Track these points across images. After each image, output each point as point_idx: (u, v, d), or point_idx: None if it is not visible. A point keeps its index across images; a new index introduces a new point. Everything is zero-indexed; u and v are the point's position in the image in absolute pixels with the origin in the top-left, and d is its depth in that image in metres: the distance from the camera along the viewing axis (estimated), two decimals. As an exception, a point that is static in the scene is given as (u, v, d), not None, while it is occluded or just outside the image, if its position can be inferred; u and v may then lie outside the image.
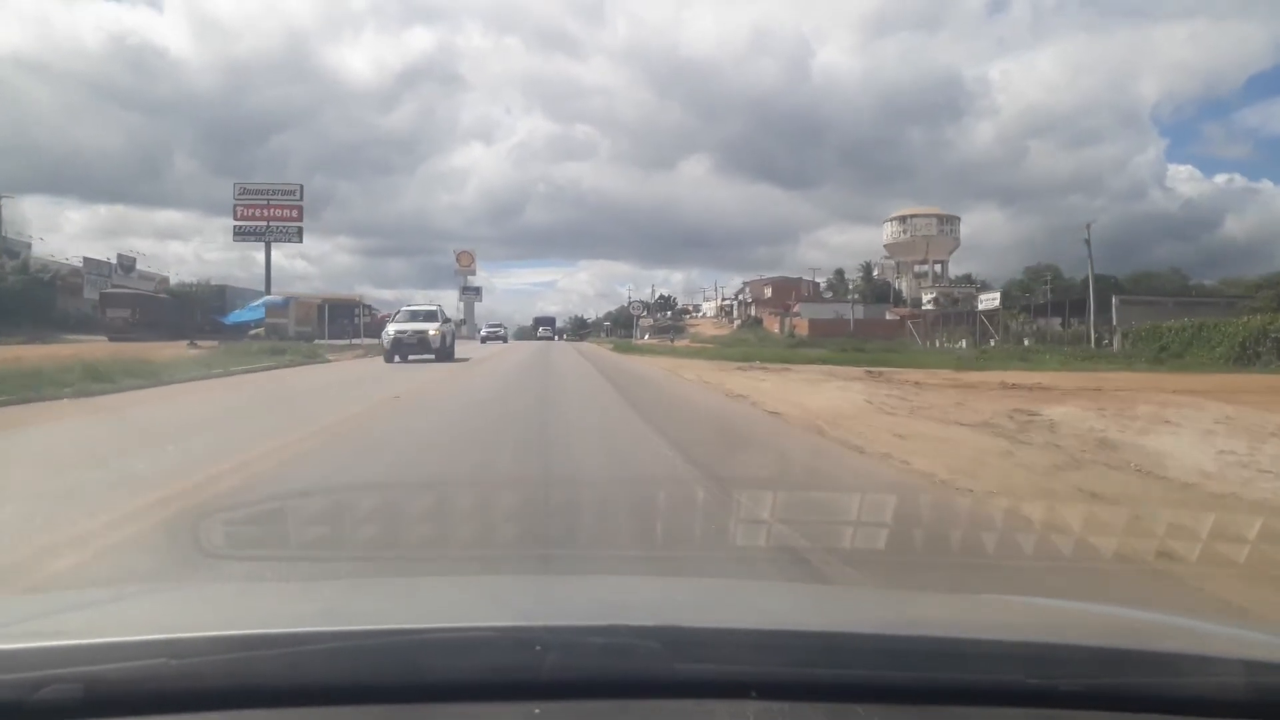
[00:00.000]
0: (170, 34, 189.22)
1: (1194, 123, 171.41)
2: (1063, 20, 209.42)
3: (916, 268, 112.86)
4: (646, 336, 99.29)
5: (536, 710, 1.20)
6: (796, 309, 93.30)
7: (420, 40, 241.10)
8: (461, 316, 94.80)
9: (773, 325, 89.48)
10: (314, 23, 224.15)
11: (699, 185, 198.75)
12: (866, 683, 1.30)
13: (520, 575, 3.59)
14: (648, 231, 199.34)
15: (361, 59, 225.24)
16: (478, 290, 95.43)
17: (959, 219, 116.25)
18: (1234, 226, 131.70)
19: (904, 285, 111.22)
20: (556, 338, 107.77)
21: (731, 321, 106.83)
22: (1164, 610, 2.54)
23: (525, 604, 1.90)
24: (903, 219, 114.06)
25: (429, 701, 1.25)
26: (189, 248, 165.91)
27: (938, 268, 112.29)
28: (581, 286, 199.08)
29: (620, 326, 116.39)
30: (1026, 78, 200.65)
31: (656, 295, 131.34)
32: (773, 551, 4.28)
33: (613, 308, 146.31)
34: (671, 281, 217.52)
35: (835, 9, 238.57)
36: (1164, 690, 1.33)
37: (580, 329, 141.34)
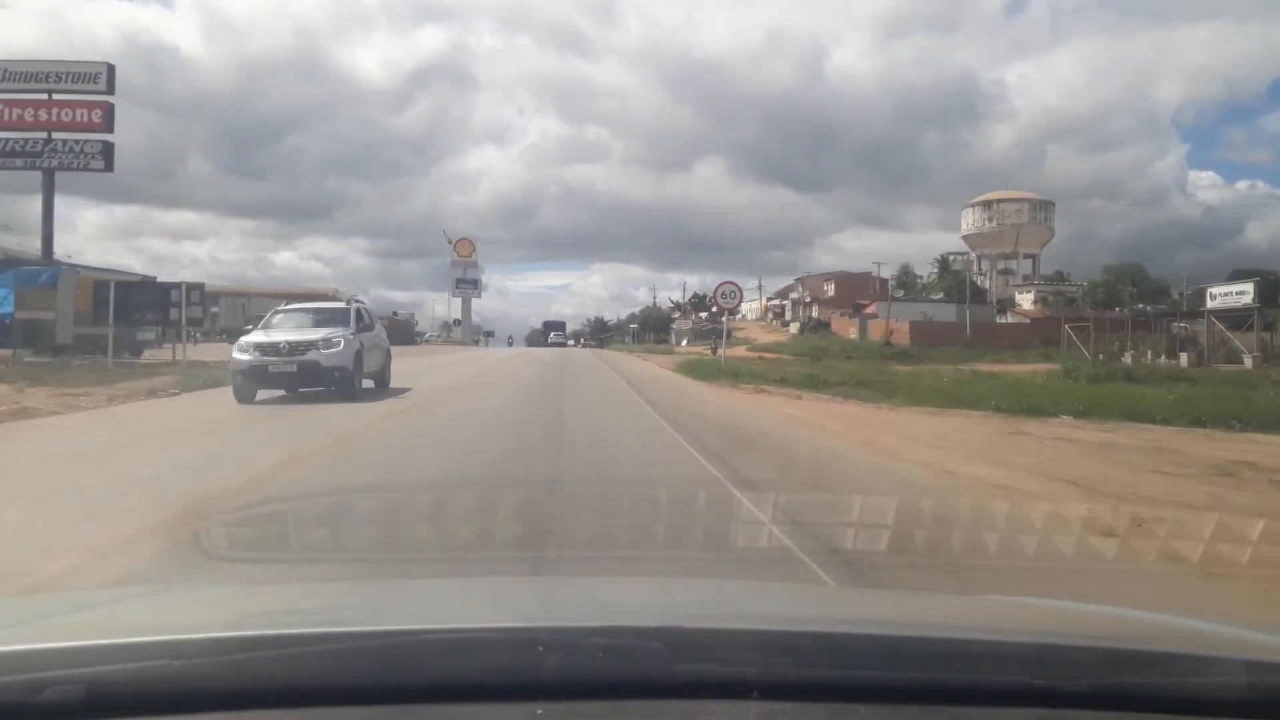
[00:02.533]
0: (182, 33, 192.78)
1: (1216, 128, 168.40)
2: (1082, 22, 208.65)
3: (1001, 262, 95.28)
4: (685, 342, 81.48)
5: (538, 711, 1.19)
6: (872, 308, 75.24)
7: (432, 40, 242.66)
8: (456, 317, 78.00)
9: (846, 329, 71.38)
10: (326, 22, 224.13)
11: (713, 188, 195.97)
12: (868, 683, 1.28)
13: (521, 576, 3.70)
14: (661, 234, 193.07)
15: (374, 59, 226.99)
16: (474, 283, 77.51)
17: (1053, 205, 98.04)
18: (1255, 234, 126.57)
19: (990, 282, 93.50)
20: (574, 344, 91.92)
21: (784, 324, 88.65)
22: (1165, 610, 2.31)
23: (527, 605, 1.89)
24: (987, 204, 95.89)
25: (430, 702, 1.23)
26: (203, 248, 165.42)
27: (1024, 262, 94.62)
28: (595, 290, 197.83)
29: (649, 330, 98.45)
30: (1045, 81, 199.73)
31: (689, 294, 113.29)
32: None
33: (627, 311, 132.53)
34: (686, 285, 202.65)
35: (850, 11, 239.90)
36: (1165, 690, 1.31)
37: (600, 332, 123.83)
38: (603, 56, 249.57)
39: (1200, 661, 1.39)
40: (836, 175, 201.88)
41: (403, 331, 62.92)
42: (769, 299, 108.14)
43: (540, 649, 1.27)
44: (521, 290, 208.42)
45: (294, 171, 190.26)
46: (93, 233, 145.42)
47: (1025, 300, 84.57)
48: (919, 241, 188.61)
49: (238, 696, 1.20)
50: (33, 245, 29.37)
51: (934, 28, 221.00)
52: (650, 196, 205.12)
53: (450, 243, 76.12)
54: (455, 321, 78.29)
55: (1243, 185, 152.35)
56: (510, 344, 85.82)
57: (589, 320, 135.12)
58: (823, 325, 77.39)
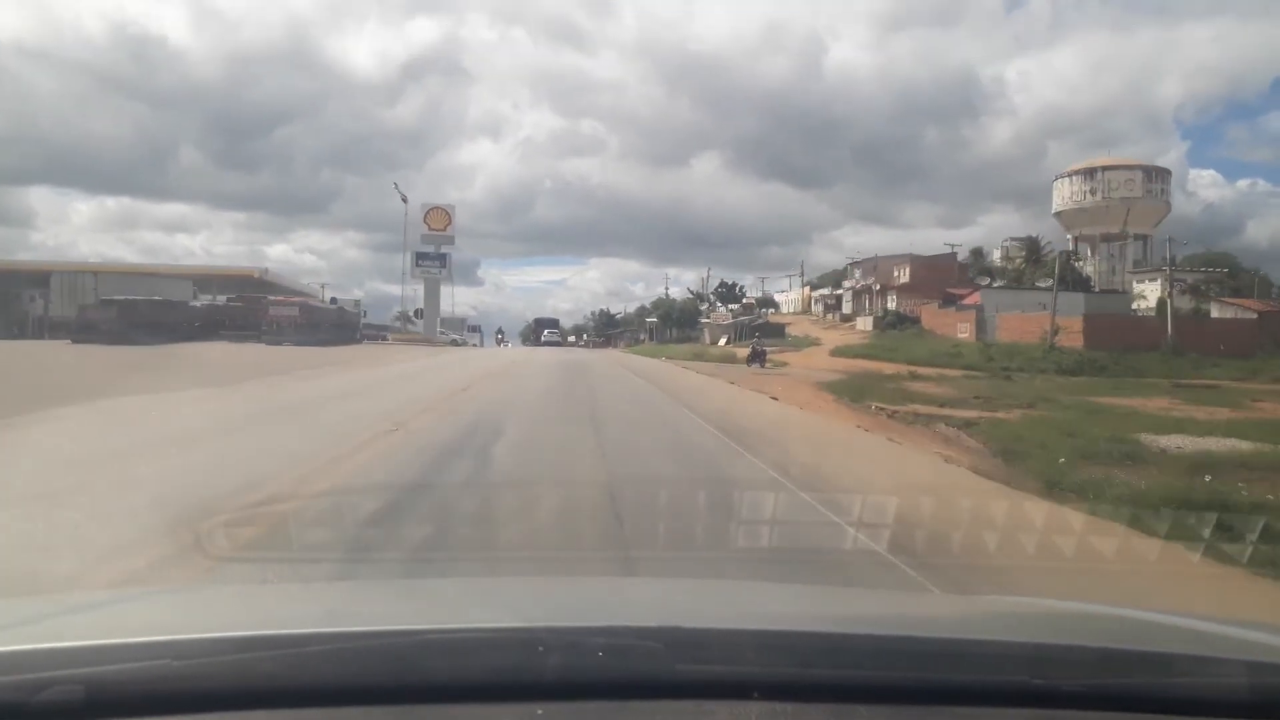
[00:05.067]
0: (170, 23, 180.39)
1: (1217, 125, 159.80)
2: (1082, 18, 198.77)
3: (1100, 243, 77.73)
4: (725, 341, 62.98)
5: (539, 711, 1.18)
6: (974, 298, 56.95)
7: (425, 32, 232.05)
8: (420, 306, 58.71)
9: (945, 325, 52.93)
10: (316, 13, 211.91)
11: (710, 183, 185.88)
12: (868, 683, 1.27)
13: (522, 576, 3.62)
14: (658, 230, 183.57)
15: (366, 51, 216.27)
16: (441, 260, 58.48)
17: (1169, 174, 79.61)
18: (1256, 233, 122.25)
19: (1093, 267, 75.60)
20: (576, 342, 74.96)
21: (844, 318, 70.04)
22: (1166, 611, 2.15)
23: (527, 605, 1.84)
24: (1089, 173, 77.60)
25: (431, 702, 1.21)
26: (196, 241, 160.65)
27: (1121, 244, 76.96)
28: (592, 285, 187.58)
29: (670, 324, 79.84)
30: (1045, 77, 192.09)
31: (717, 283, 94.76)
32: None
33: (624, 306, 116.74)
34: (683, 280, 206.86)
35: (848, 4, 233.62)
36: (1166, 691, 1.30)
37: (606, 328, 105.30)
38: (598, 49, 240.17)
39: (1201, 662, 1.38)
40: (835, 171, 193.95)
41: (335, 325, 44.17)
42: (808, 284, 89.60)
43: (540, 649, 1.25)
44: (518, 285, 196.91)
45: (286, 164, 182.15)
46: (85, 225, 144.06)
47: (1150, 290, 66.81)
48: (919, 238, 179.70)
49: (238, 696, 1.18)
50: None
51: (934, 22, 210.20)
52: (647, 191, 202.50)
53: (404, 200, 56.85)
54: (417, 312, 59.61)
55: (1243, 184, 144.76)
56: (501, 341, 66.43)
57: (593, 314, 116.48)
58: (906, 320, 58.83)
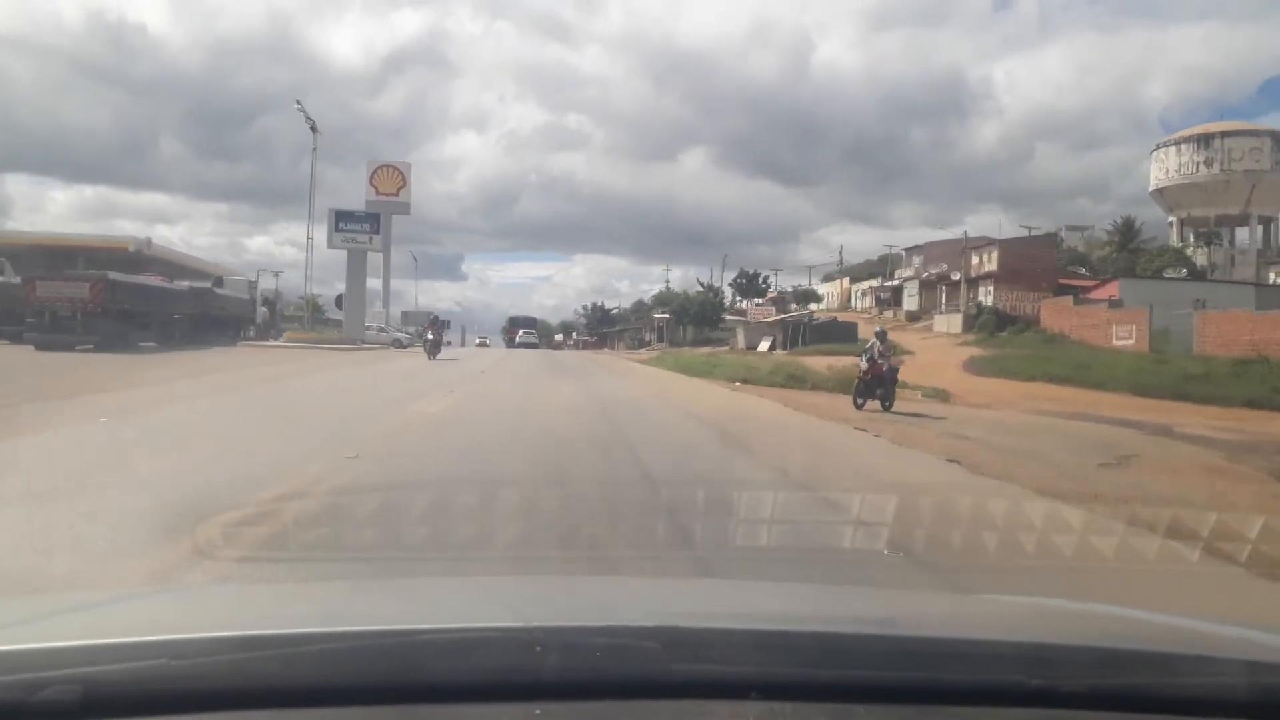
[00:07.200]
0: (150, 10, 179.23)
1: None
2: (1071, 19, 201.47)
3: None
4: (768, 345, 47.89)
5: (537, 711, 1.18)
6: (1109, 290, 42.12)
7: (409, 23, 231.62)
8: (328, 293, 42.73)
9: (1085, 328, 38.02)
10: (299, 2, 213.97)
11: (697, 180, 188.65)
12: (867, 683, 1.27)
13: (520, 575, 3.58)
14: (644, 227, 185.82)
15: (349, 41, 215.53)
16: (371, 221, 42.92)
17: (1299, 140, 64.54)
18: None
19: (1205, 257, 61.39)
20: (563, 342, 62.02)
21: (911, 316, 54.89)
22: (1165, 610, 2.15)
23: (525, 605, 1.82)
24: (1204, 140, 62.97)
25: (429, 702, 1.21)
26: (176, 231, 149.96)
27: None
28: (577, 281, 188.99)
29: (689, 321, 64.54)
30: (1033, 78, 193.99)
31: (737, 274, 79.55)
32: None
33: (619, 303, 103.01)
34: (671, 279, 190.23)
35: (836, 2, 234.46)
36: (1165, 690, 1.29)
37: (600, 325, 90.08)
38: (584, 44, 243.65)
39: (1201, 661, 1.37)
40: (821, 169, 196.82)
41: (194, 316, 28.60)
42: (848, 276, 74.73)
43: (538, 649, 1.25)
44: (503, 281, 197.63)
45: (267, 155, 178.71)
46: (62, 213, 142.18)
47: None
48: (905, 238, 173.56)
49: (236, 696, 1.18)
50: None
51: (921, 22, 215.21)
52: (633, 188, 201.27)
53: (313, 129, 40.29)
54: (338, 300, 43.82)
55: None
56: (431, 341, 48.89)
57: (584, 309, 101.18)
58: (1011, 319, 43.86)
